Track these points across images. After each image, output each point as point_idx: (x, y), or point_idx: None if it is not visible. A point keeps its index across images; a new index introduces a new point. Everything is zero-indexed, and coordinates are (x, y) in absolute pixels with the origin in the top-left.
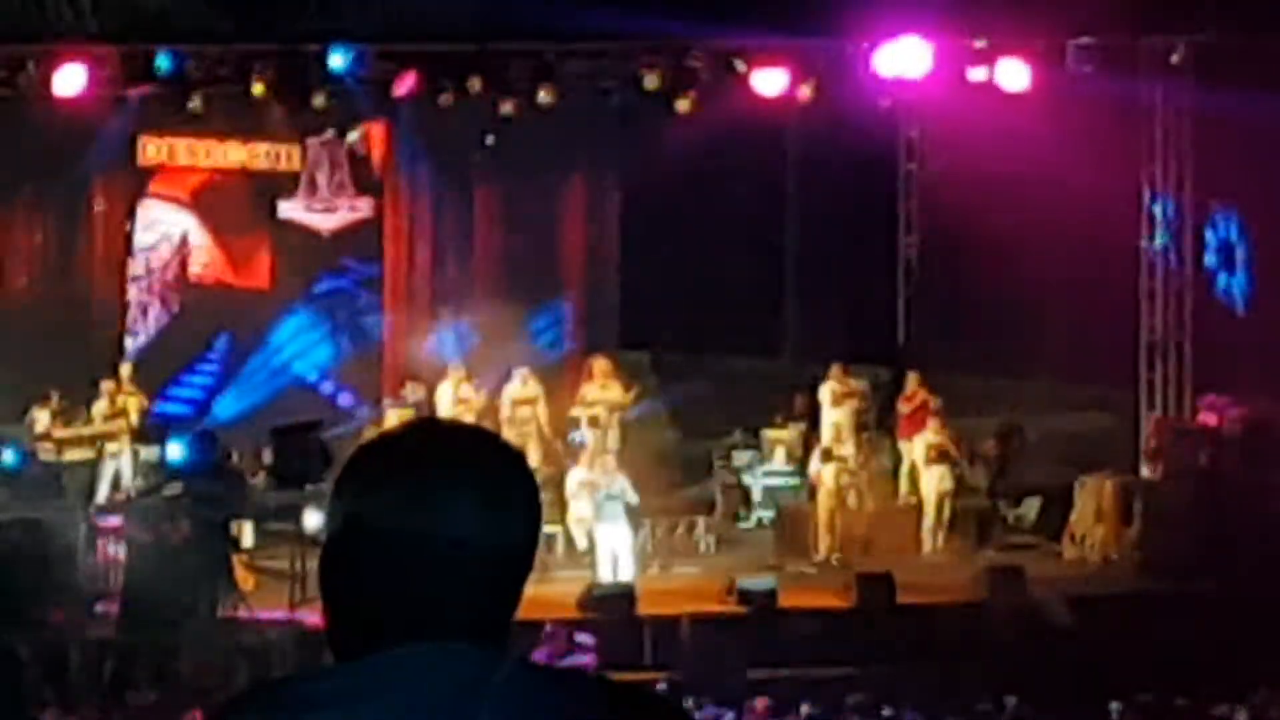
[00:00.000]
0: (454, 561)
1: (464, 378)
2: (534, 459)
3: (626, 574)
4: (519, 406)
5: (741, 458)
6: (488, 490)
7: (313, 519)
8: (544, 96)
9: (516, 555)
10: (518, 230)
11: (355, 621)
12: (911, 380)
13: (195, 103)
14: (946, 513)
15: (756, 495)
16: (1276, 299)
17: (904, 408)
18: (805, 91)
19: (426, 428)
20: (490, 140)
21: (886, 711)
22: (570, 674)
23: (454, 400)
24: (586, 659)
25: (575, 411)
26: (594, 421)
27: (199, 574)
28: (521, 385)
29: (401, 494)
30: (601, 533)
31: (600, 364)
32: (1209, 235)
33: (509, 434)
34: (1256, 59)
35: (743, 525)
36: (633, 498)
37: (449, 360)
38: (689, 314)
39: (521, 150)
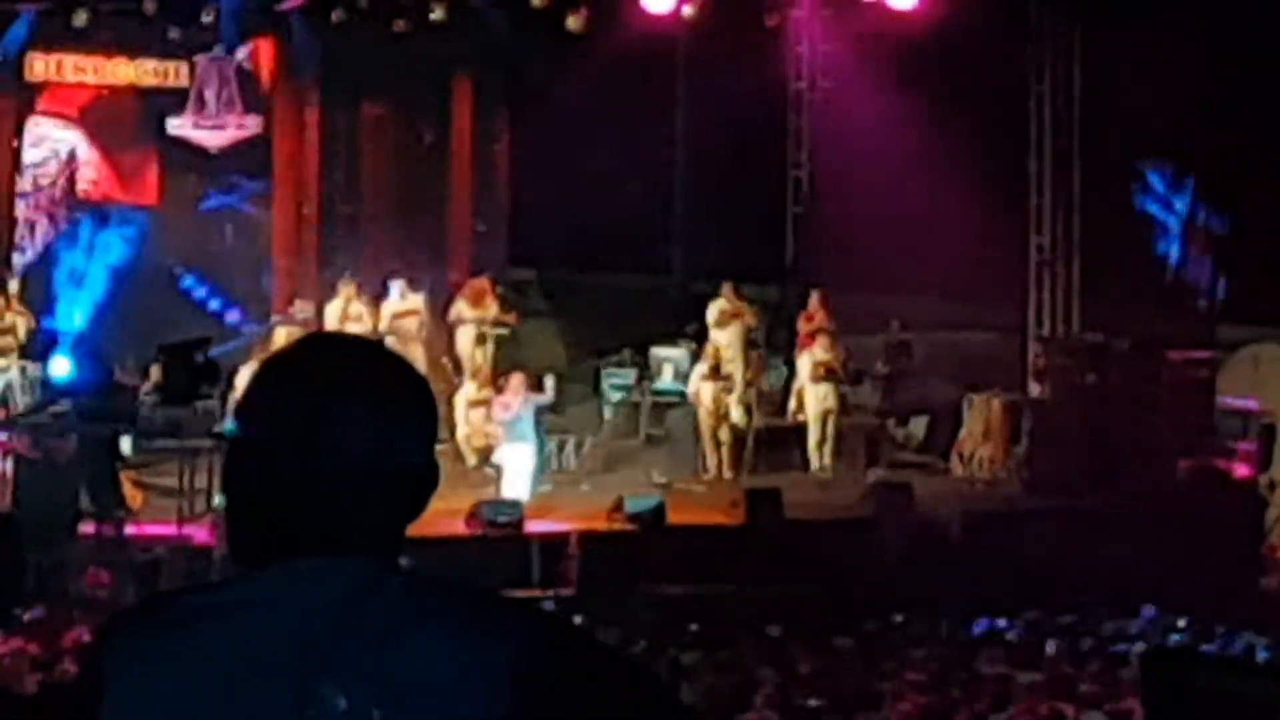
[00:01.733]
0: (347, 477)
1: (353, 294)
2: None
3: (523, 492)
4: (399, 319)
5: (629, 375)
6: (381, 406)
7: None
8: (435, 14)
9: (411, 471)
10: (406, 149)
11: (253, 534)
12: (813, 298)
13: (81, 19)
14: (831, 430)
15: (645, 413)
16: None
17: (803, 325)
18: (688, 10)
19: (322, 344)
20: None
21: (774, 629)
22: (459, 587)
23: (342, 317)
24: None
25: (459, 326)
26: (481, 339)
27: (86, 490)
28: (400, 299)
29: (295, 410)
30: (509, 453)
31: (484, 285)
32: None
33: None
34: None
35: (631, 443)
36: (531, 422)
37: (338, 277)
38: (578, 233)
39: (411, 68)
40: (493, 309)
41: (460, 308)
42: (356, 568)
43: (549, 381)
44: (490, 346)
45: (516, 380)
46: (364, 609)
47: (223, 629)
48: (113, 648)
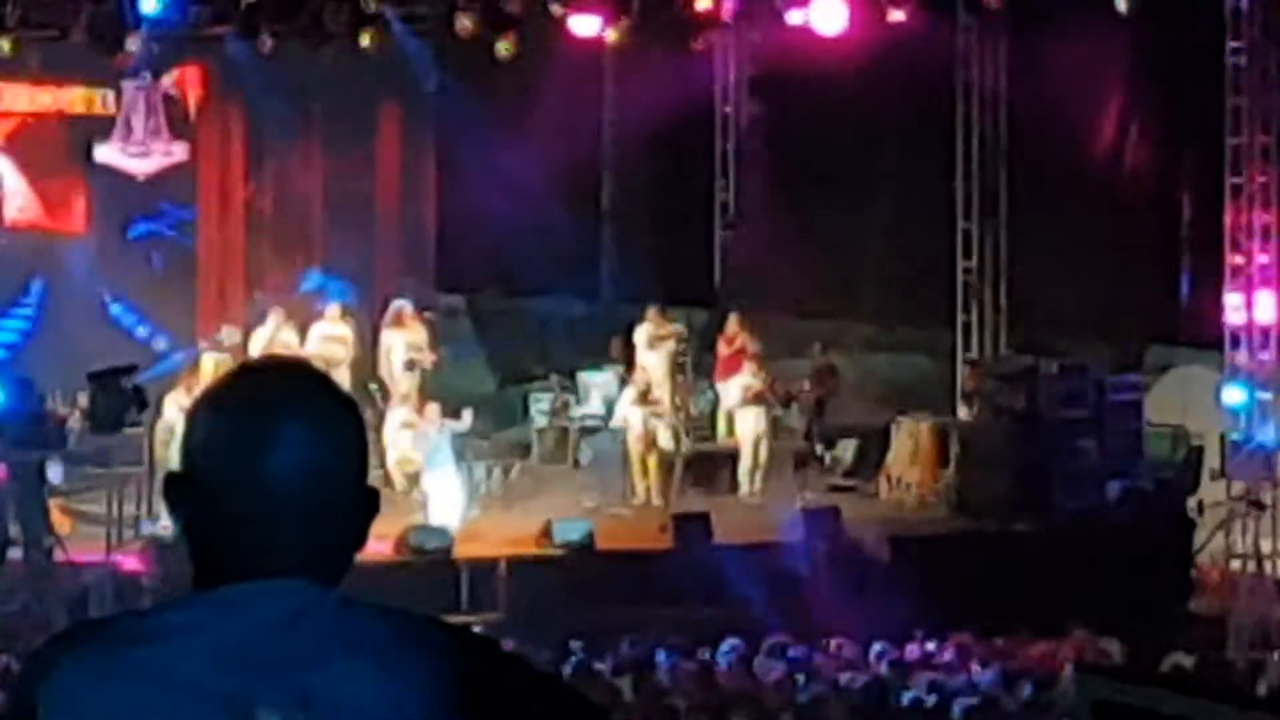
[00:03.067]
0: (285, 501)
1: (282, 321)
2: None
3: (452, 519)
4: (329, 344)
5: (558, 400)
6: (318, 431)
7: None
8: (364, 40)
9: (349, 494)
10: (333, 175)
11: (199, 557)
12: (731, 321)
13: (6, 47)
14: (763, 454)
15: (573, 438)
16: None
17: (723, 349)
18: (611, 35)
19: (259, 369)
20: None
21: (703, 654)
22: (394, 611)
23: (269, 344)
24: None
25: (385, 352)
26: (410, 365)
27: (15, 517)
28: (331, 324)
29: (233, 435)
30: (432, 482)
31: (403, 310)
32: None
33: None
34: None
35: (559, 468)
36: (455, 449)
37: (267, 304)
38: (505, 258)
39: (338, 94)
40: (420, 333)
41: (387, 334)
42: (294, 591)
43: (466, 412)
44: (418, 372)
45: (431, 410)
46: (298, 632)
47: (156, 653)
48: (44, 674)
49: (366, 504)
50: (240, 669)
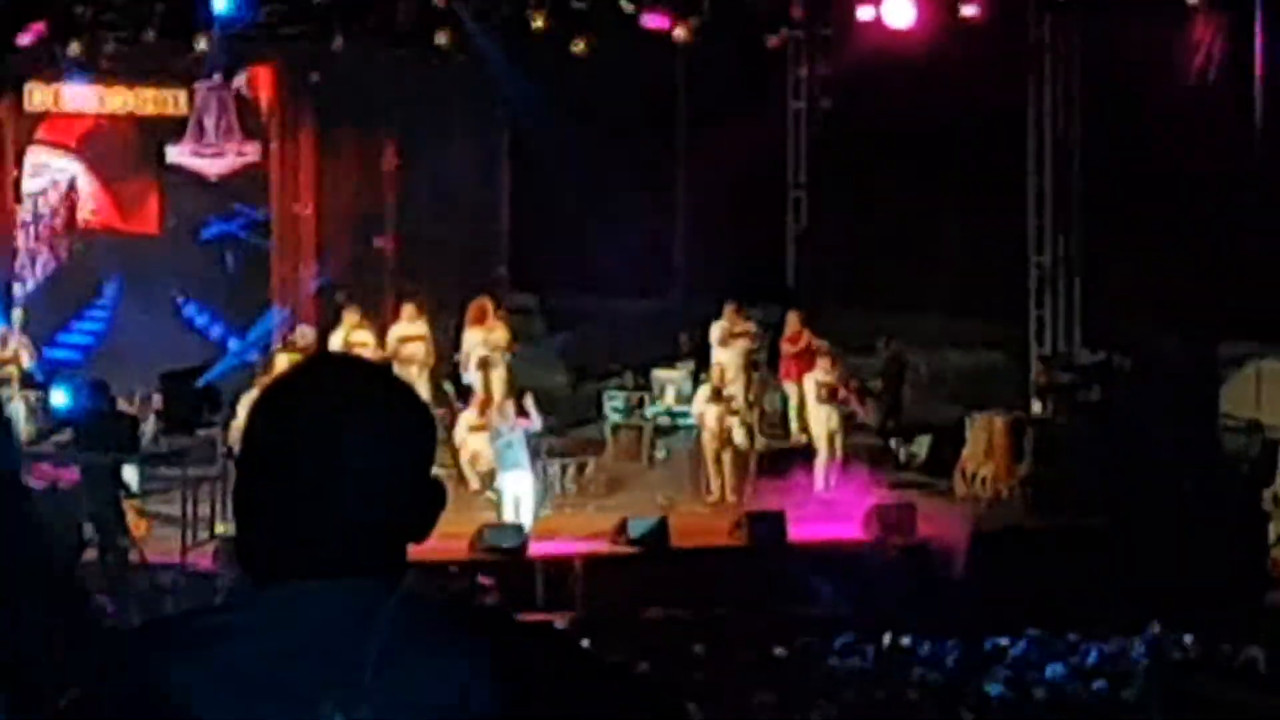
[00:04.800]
0: (346, 501)
1: (357, 323)
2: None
3: (526, 518)
4: (405, 344)
5: (632, 398)
6: (381, 427)
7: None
8: (441, 39)
9: (411, 491)
10: (409, 173)
11: (260, 554)
12: (792, 320)
13: (78, 48)
14: (837, 451)
15: (647, 435)
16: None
17: (787, 348)
18: (680, 33)
19: (325, 365)
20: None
21: (779, 650)
22: (459, 607)
23: (345, 344)
24: (488, 600)
25: (466, 351)
26: (483, 364)
27: (90, 519)
28: (409, 323)
29: (300, 431)
30: (506, 481)
31: (486, 305)
32: None
33: (397, 374)
34: None
35: (634, 465)
36: (530, 446)
37: (341, 304)
38: (578, 255)
39: (412, 93)
40: (497, 330)
41: (469, 333)
42: (359, 589)
43: (528, 404)
44: (498, 370)
45: (506, 408)
46: (364, 629)
47: (225, 650)
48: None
49: (431, 499)
50: (305, 667)
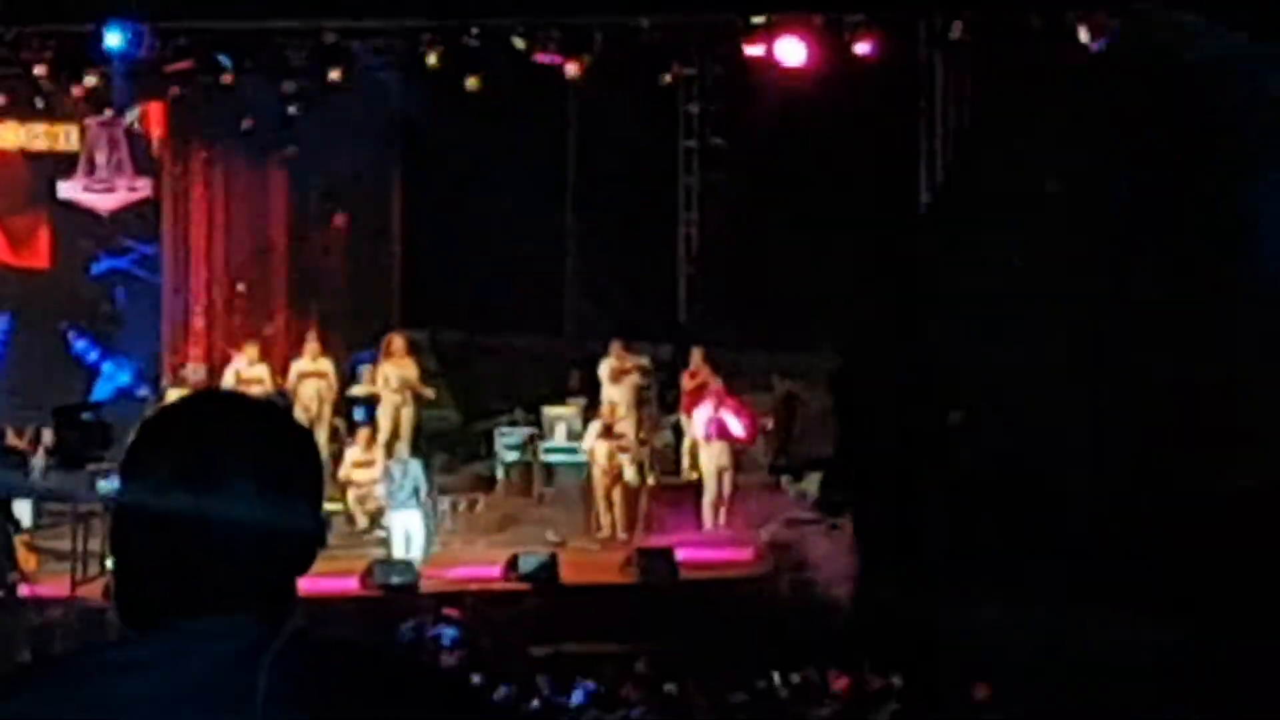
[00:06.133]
0: (231, 538)
1: (255, 356)
2: (321, 436)
3: (416, 555)
4: (305, 380)
5: (522, 435)
6: (266, 467)
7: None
8: (332, 74)
9: (298, 532)
10: (298, 208)
11: (141, 594)
12: (695, 356)
13: None
14: (727, 488)
15: (537, 472)
16: None
17: (687, 383)
18: (571, 70)
19: (206, 402)
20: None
21: (669, 686)
22: (344, 644)
23: (237, 379)
24: (452, 631)
25: (357, 389)
26: (373, 399)
27: None
28: (311, 360)
29: (176, 471)
30: (396, 519)
31: (398, 341)
32: None
33: (299, 408)
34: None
35: (525, 501)
36: (423, 485)
37: (240, 339)
38: (469, 292)
39: (303, 127)
40: (408, 367)
41: (383, 367)
42: (249, 626)
43: (400, 448)
44: (408, 408)
45: (398, 447)
46: (256, 666)
47: (114, 688)
48: (3, 708)
49: (314, 538)
50: (196, 704)
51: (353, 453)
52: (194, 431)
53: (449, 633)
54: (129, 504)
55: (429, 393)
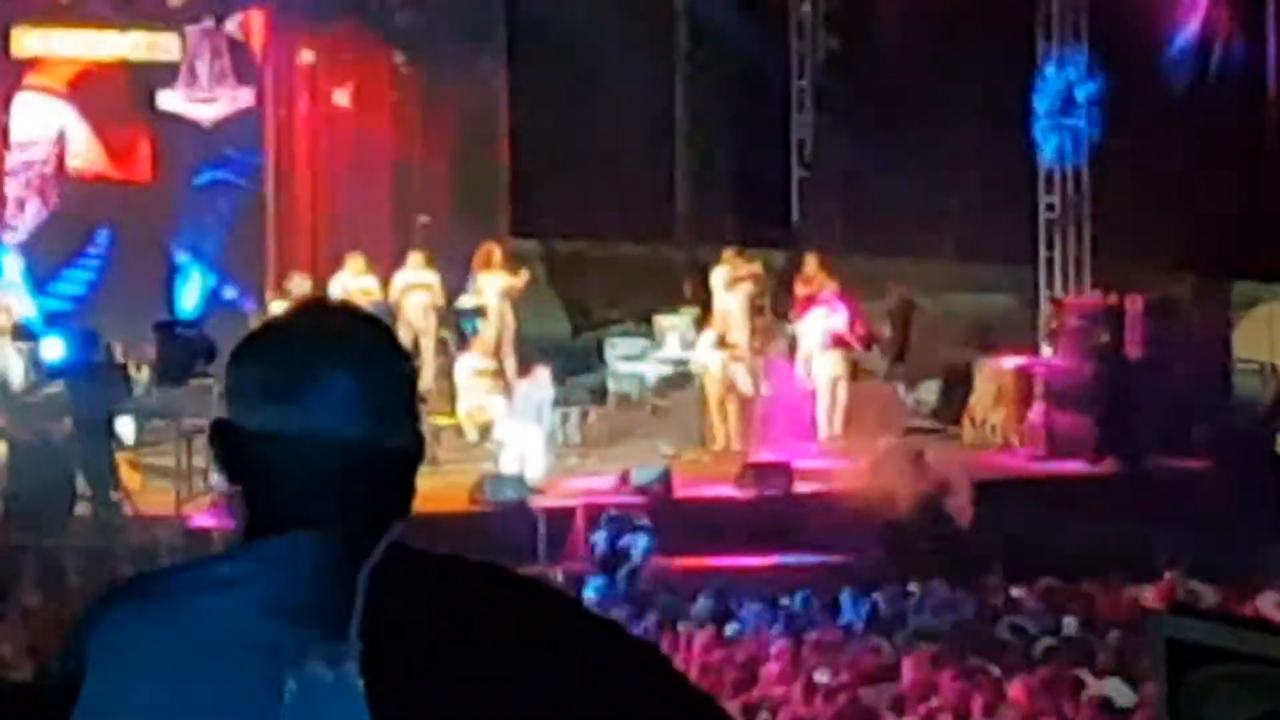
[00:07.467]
0: (330, 451)
1: (362, 268)
2: (428, 348)
3: (533, 470)
4: (410, 292)
5: (634, 345)
6: (360, 375)
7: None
8: None
9: (397, 447)
10: (402, 115)
11: (254, 511)
12: (810, 262)
13: None
14: (841, 397)
15: (650, 383)
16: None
17: (801, 290)
18: None
19: (303, 315)
20: None
21: (785, 600)
22: (447, 559)
23: (345, 292)
24: (645, 540)
25: (465, 300)
26: (481, 311)
27: (82, 472)
28: (415, 270)
29: (272, 384)
30: (514, 434)
31: (496, 251)
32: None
33: (403, 322)
34: None
35: (637, 414)
36: (549, 400)
37: (346, 251)
38: (579, 201)
39: (407, 31)
40: (511, 279)
41: (480, 277)
42: (346, 539)
43: (541, 371)
44: (508, 317)
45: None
46: (350, 580)
47: (209, 602)
48: (94, 625)
49: (415, 452)
50: (288, 619)
51: (463, 364)
52: (289, 344)
53: (641, 541)
54: (228, 419)
55: (521, 298)
